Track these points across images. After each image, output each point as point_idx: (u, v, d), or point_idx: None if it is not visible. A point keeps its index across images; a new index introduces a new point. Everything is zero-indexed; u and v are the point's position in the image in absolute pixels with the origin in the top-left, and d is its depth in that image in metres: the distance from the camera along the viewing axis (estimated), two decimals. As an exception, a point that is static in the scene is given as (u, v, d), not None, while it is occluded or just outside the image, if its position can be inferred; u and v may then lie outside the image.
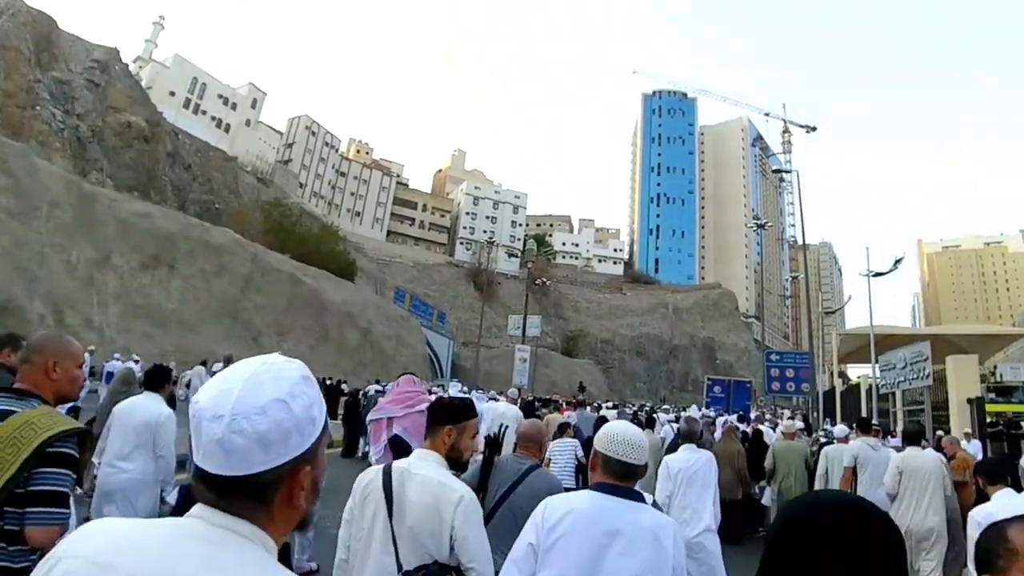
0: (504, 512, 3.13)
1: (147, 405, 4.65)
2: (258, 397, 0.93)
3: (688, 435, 5.63)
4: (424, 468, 2.48)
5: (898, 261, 28.70)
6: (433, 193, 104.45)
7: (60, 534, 2.06)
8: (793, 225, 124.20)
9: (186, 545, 0.89)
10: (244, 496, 0.93)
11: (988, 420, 17.18)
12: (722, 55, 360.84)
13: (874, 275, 26.95)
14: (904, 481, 6.29)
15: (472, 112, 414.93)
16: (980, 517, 3.82)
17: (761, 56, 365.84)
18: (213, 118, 70.60)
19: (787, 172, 25.75)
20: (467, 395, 17.18)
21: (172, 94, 65.51)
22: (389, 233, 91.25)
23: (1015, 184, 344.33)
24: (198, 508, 0.94)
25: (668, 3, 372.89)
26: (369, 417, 5.37)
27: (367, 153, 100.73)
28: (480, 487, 3.10)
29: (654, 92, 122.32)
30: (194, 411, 0.94)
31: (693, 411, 18.65)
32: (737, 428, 11.24)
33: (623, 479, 2.31)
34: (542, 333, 56.32)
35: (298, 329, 33.31)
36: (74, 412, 5.26)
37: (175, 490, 4.45)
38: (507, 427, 3.86)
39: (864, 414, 35.09)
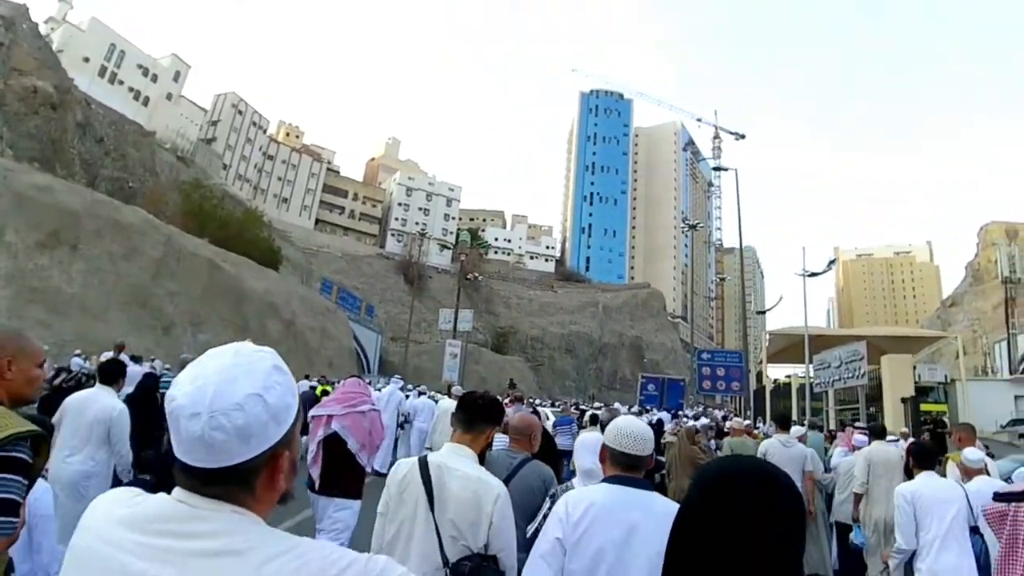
0: None
1: (99, 399, 4.65)
2: (234, 393, 0.96)
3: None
4: (462, 464, 2.65)
5: (832, 262, 29.53)
6: (365, 182, 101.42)
7: (8, 545, 1.98)
8: (720, 229, 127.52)
9: (179, 523, 0.96)
10: (228, 483, 0.98)
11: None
12: (659, 60, 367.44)
13: (809, 275, 27.79)
14: (872, 473, 6.60)
15: (408, 102, 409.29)
16: (906, 492, 4.57)
17: (696, 64, 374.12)
18: (131, 89, 66.06)
19: (726, 170, 25.51)
20: (411, 391, 16.53)
21: (86, 60, 60.83)
22: (317, 222, 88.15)
23: (923, 198, 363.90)
24: (179, 492, 0.99)
25: (610, 5, 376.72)
26: (311, 413, 5.32)
27: (297, 137, 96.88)
28: None
29: (592, 91, 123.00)
30: (171, 408, 0.97)
31: (620, 408, 18.12)
32: (698, 429, 10.55)
33: (629, 469, 2.47)
34: (472, 329, 55.33)
35: (215, 319, 31.07)
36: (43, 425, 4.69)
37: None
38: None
39: (796, 413, 35.78)
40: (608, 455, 2.52)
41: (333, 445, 5.12)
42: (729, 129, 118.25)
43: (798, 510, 1.18)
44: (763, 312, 35.67)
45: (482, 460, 2.93)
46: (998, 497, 1.74)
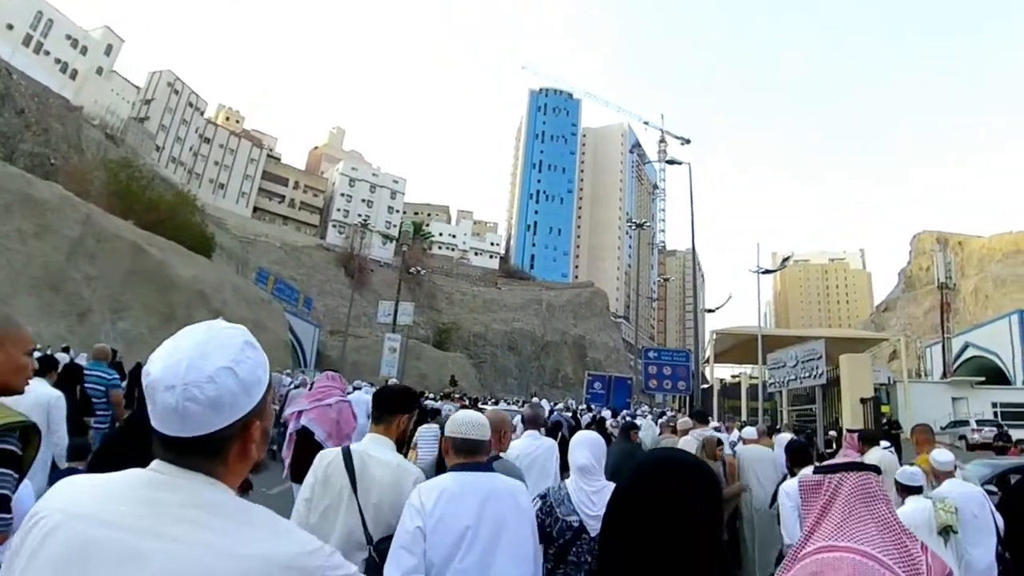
0: None
1: (35, 387, 4.25)
2: (206, 366, 1.03)
3: (532, 420, 5.85)
4: (381, 452, 2.88)
5: (785, 260, 29.84)
6: (307, 171, 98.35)
7: (2, 542, 1.88)
8: (664, 231, 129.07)
9: (155, 490, 1.01)
10: (202, 453, 1.04)
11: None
12: (609, 62, 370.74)
13: (764, 272, 28.13)
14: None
15: (355, 92, 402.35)
16: (789, 490, 4.65)
17: (645, 67, 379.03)
18: (58, 61, 62.20)
19: (680, 163, 25.12)
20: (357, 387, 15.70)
21: (10, 27, 56.89)
22: (256, 209, 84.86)
23: (856, 207, 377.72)
24: (157, 463, 1.05)
25: (564, 5, 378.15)
26: (287, 411, 6.19)
27: (237, 122, 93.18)
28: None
29: (541, 89, 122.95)
30: (147, 382, 1.04)
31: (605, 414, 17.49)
32: (720, 441, 10.18)
33: (470, 455, 2.68)
34: (414, 324, 53.99)
35: (137, 306, 28.94)
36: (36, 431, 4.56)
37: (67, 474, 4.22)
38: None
39: (745, 412, 35.88)
40: (451, 445, 2.73)
41: (305, 437, 5.66)
42: (675, 133, 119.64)
43: (708, 496, 1.36)
44: (713, 310, 35.82)
45: (400, 447, 3.10)
46: (819, 469, 1.79)
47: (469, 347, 76.04)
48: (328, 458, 2.86)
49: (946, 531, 4.53)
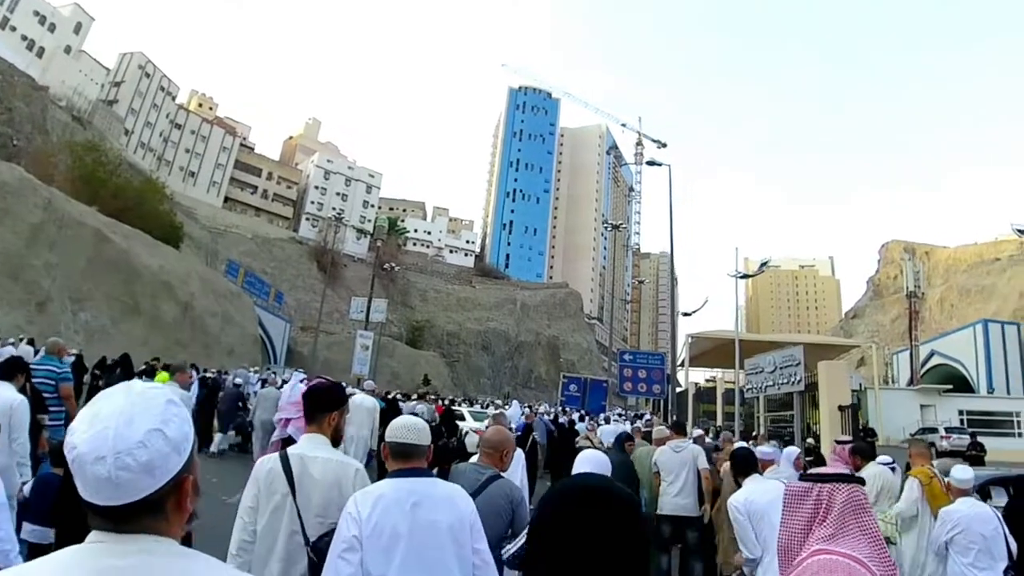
0: None
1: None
2: (134, 432, 1.01)
3: None
4: (319, 451, 2.92)
5: (764, 264, 29.68)
6: (281, 162, 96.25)
7: None
8: (639, 234, 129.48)
9: (104, 559, 0.99)
10: (140, 514, 1.03)
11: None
12: (589, 64, 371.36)
13: (741, 276, 28.05)
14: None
15: (332, 83, 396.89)
16: (739, 504, 4.50)
17: (624, 70, 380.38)
18: (24, 38, 59.83)
19: (660, 164, 24.67)
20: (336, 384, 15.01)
21: (-26, 1, 54.93)
22: (227, 199, 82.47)
23: (827, 215, 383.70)
24: (95, 535, 1.04)
25: (546, 5, 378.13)
26: (276, 416, 6.32)
27: (210, 108, 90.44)
28: None
29: (520, 87, 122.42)
30: (72, 457, 1.01)
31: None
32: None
33: (408, 459, 2.68)
34: (387, 321, 53.05)
35: (99, 296, 27.64)
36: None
37: (30, 482, 4.51)
38: (467, 432, 4.79)
39: (720, 418, 35.65)
40: (389, 450, 2.72)
41: (290, 444, 5.51)
42: (652, 136, 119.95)
43: (622, 522, 1.43)
44: (689, 313, 35.46)
45: (443, 472, 3.58)
46: (807, 477, 1.92)
47: (442, 346, 75.28)
48: (268, 464, 2.90)
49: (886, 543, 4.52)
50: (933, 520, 5.21)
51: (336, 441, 3.09)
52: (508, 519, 3.25)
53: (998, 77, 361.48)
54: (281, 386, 13.54)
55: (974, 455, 17.85)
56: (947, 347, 49.94)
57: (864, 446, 7.04)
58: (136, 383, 1.10)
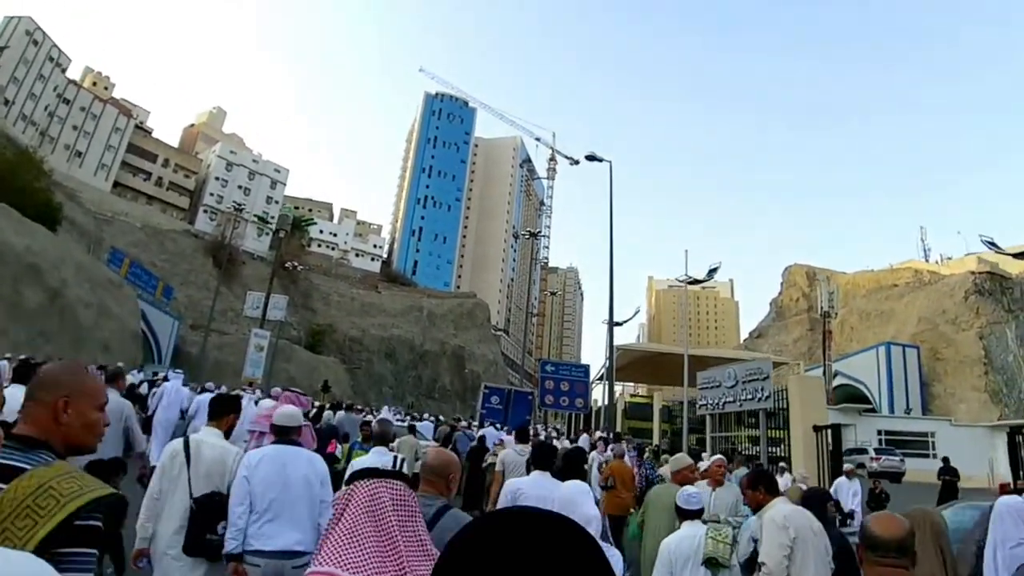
0: None
1: None
2: None
3: (380, 437, 5.91)
4: (213, 439, 4.16)
5: (713, 270, 29.59)
6: (180, 149, 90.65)
7: None
8: (548, 247, 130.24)
9: None
10: None
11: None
12: (506, 76, 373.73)
13: (690, 282, 28.01)
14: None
15: (240, 75, 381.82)
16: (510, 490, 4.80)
17: (541, 85, 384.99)
18: None
19: (601, 160, 23.85)
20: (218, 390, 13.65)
21: None
22: (117, 184, 76.59)
23: (725, 239, 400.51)
24: None
25: (468, 15, 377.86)
26: (248, 427, 6.92)
27: (106, 88, 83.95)
28: None
29: (438, 94, 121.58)
30: None
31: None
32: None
33: (283, 434, 4.13)
34: (286, 323, 50.19)
35: (-54, 276, 24.30)
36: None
37: None
38: (404, 459, 2.98)
39: (657, 436, 34.33)
40: (272, 428, 4.25)
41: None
42: (564, 153, 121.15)
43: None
44: (621, 323, 34.76)
45: (227, 436, 4.39)
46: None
47: (344, 351, 72.44)
48: (175, 446, 4.13)
49: (712, 564, 4.14)
50: None
51: (227, 436, 4.36)
52: None
53: (885, 117, 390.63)
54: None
55: (948, 480, 16.84)
56: (850, 368, 51.53)
57: (766, 477, 4.60)
58: None
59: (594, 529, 2.93)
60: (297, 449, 4.06)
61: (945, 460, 17.51)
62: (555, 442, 16.32)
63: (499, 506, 5.22)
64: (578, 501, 3.11)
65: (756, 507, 4.41)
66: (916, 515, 3.90)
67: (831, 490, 11.81)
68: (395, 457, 5.57)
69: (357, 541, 1.83)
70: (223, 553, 3.71)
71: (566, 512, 2.58)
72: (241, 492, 3.76)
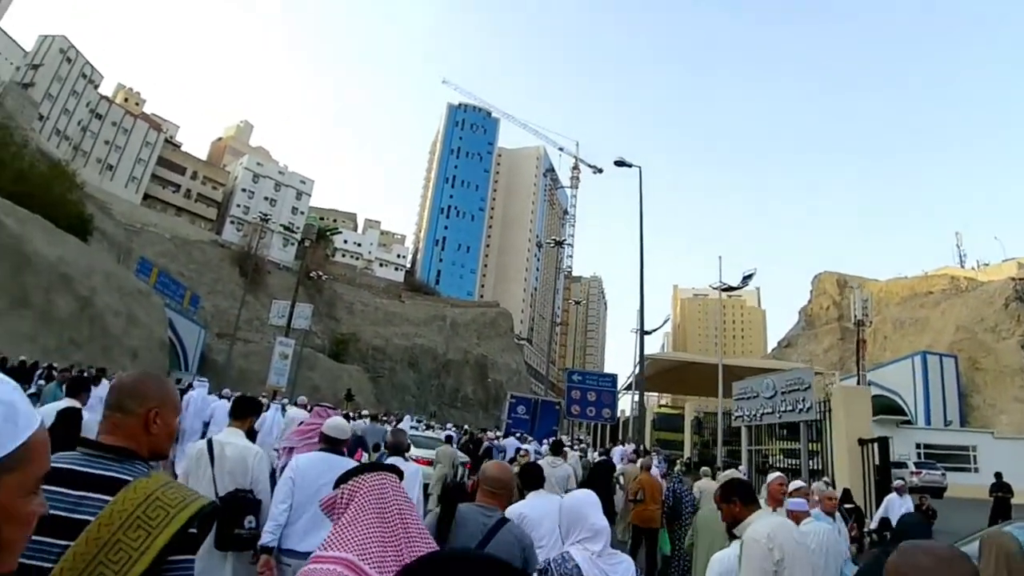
0: None
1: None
2: None
3: (395, 447, 5.99)
4: (235, 440, 4.36)
5: (748, 276, 28.60)
6: (208, 162, 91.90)
7: None
8: (571, 256, 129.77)
9: None
10: None
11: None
12: (530, 86, 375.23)
13: (724, 289, 27.95)
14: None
15: (267, 89, 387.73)
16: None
17: (565, 93, 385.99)
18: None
19: (630, 165, 23.56)
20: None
21: None
22: (147, 197, 77.85)
23: (750, 247, 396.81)
24: None
25: (489, 23, 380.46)
26: (282, 443, 7.65)
27: (137, 104, 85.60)
28: (438, 540, 2.84)
29: (460, 104, 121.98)
30: None
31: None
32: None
33: (331, 444, 4.43)
34: (310, 331, 50.38)
35: (-21, 284, 24.69)
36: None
37: None
38: (465, 471, 5.74)
39: (688, 448, 33.17)
40: (321, 436, 4.53)
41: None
42: (588, 162, 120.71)
43: None
44: (650, 332, 33.93)
45: (447, 515, 3.14)
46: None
47: (367, 360, 72.66)
48: (199, 448, 4.31)
49: None
50: None
51: (250, 436, 4.62)
52: (520, 566, 3.07)
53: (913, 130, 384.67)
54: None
55: (1000, 497, 16.12)
56: (884, 378, 49.41)
57: (743, 486, 3.90)
58: None
59: (604, 540, 2.92)
60: (344, 459, 4.35)
61: (998, 476, 16.58)
62: (578, 452, 16.12)
63: None
64: (585, 513, 3.00)
65: (732, 521, 3.74)
66: (986, 539, 3.35)
67: (880, 508, 11.00)
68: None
69: (362, 527, 1.94)
70: (259, 545, 3.94)
71: (572, 524, 2.93)
72: (285, 491, 4.02)
